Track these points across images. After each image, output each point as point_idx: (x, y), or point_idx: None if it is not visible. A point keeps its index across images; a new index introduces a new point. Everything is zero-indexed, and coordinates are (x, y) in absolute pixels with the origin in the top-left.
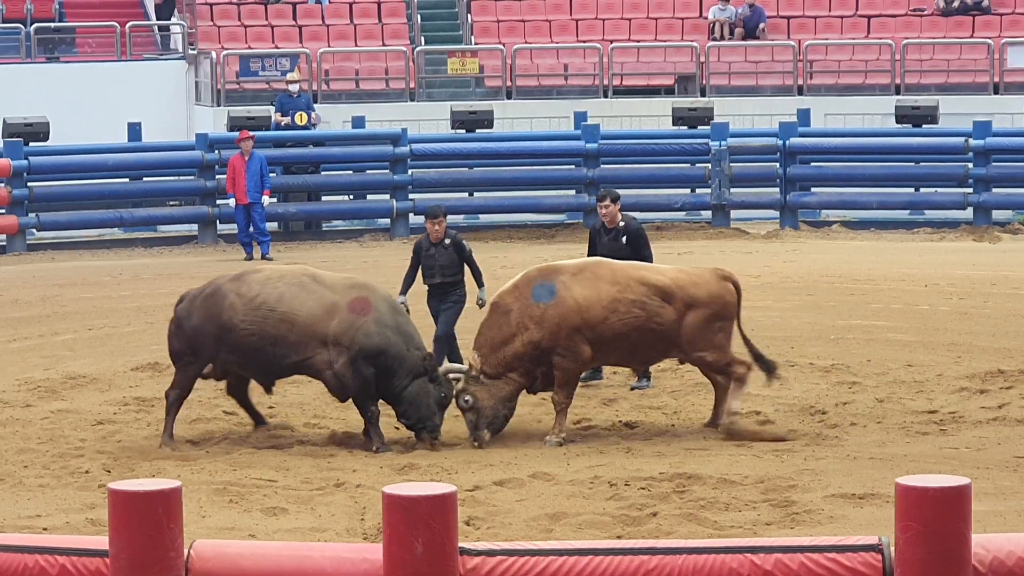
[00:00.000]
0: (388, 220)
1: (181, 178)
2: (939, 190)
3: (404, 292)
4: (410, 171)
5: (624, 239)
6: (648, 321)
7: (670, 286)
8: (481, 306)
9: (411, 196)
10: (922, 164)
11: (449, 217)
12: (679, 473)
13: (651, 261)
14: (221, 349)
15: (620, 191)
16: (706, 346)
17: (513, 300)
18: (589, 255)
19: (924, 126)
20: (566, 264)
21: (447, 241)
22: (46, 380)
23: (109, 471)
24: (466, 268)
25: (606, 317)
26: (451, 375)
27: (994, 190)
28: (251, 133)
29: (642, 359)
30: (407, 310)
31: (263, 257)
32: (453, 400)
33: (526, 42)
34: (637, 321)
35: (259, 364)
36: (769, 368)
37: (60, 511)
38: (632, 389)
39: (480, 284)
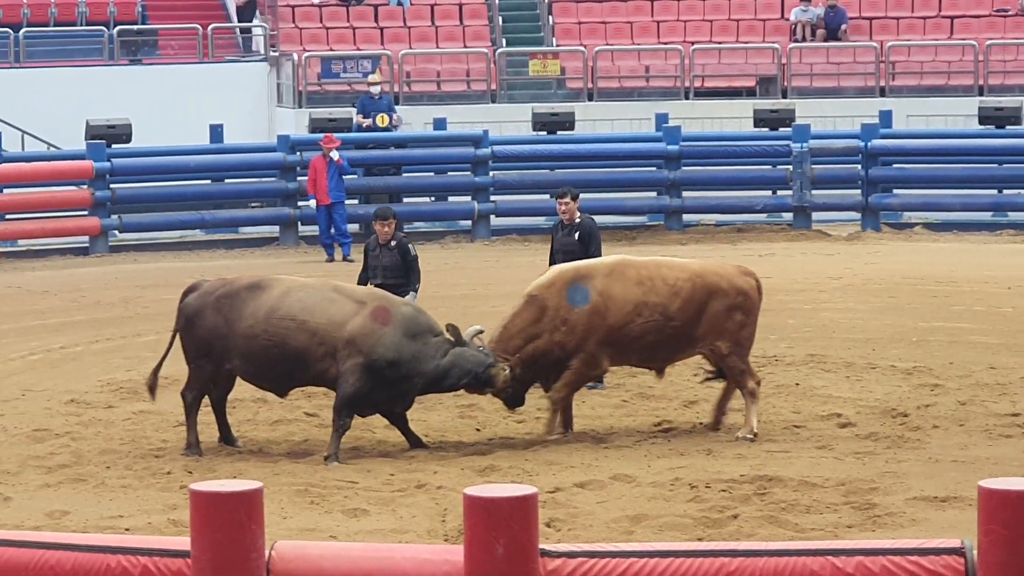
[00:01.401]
0: (470, 222)
1: (263, 180)
2: (1022, 191)
3: None
4: (491, 173)
5: (577, 235)
6: (669, 322)
7: (692, 279)
8: None
9: (492, 198)
10: (1005, 165)
11: (531, 219)
12: (760, 475)
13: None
14: (233, 355)
15: (702, 192)
16: (722, 336)
17: (549, 297)
18: (551, 252)
19: (1007, 127)
20: (597, 266)
21: (392, 243)
22: (128, 381)
23: (191, 472)
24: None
25: (632, 320)
26: (476, 337)
27: None
28: (337, 137)
29: (663, 359)
30: None
31: (344, 258)
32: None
33: (607, 44)
34: (659, 323)
35: (275, 375)
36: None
37: (142, 512)
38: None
39: (413, 289)
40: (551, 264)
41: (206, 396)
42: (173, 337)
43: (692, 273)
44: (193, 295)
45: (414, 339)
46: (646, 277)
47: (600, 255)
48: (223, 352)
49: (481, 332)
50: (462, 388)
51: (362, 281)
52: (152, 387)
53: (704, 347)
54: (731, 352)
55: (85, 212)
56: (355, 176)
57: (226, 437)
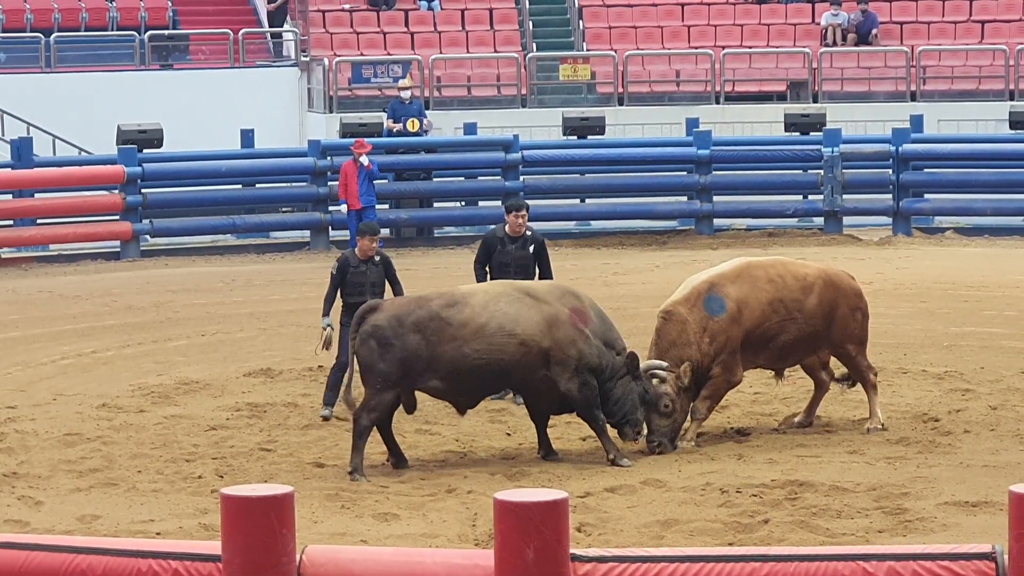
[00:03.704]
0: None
1: (293, 184)
2: None
3: (328, 313)
4: (522, 177)
5: (532, 248)
6: (804, 322)
7: (821, 278)
8: None
9: None
10: None
11: (561, 223)
12: (791, 480)
13: (551, 272)
14: (433, 375)
15: (733, 197)
16: (850, 338)
17: (687, 311)
18: (481, 263)
19: None
20: (724, 271)
21: (377, 258)
22: (159, 386)
23: (222, 476)
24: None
25: (767, 319)
26: (652, 372)
27: None
28: (368, 143)
29: (793, 359)
30: (331, 329)
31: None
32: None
33: (638, 48)
34: (795, 323)
35: (477, 389)
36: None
37: (173, 516)
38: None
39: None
40: (487, 277)
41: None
42: (352, 359)
43: (820, 271)
44: (381, 317)
45: (606, 347)
46: (776, 275)
47: (551, 268)
48: (421, 373)
49: (664, 368)
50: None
51: (331, 300)
52: (351, 404)
53: (834, 348)
54: (857, 353)
55: (116, 217)
56: (385, 181)
57: (398, 457)
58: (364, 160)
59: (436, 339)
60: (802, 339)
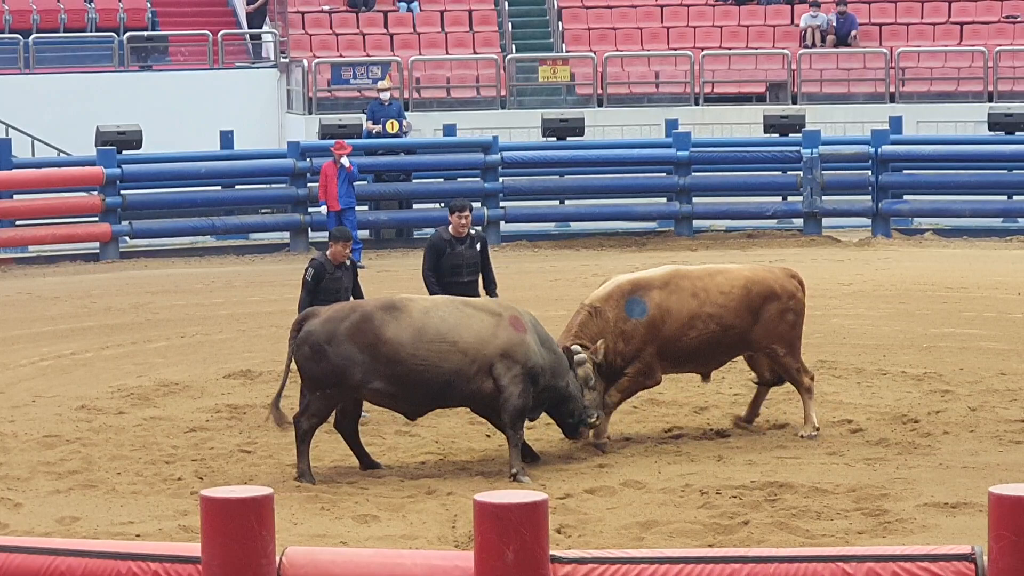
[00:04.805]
0: (479, 228)
1: (273, 186)
2: None
3: None
4: (501, 179)
5: (479, 246)
6: (724, 333)
7: (747, 285)
8: None
9: (502, 204)
10: (1015, 172)
11: (541, 225)
12: (771, 482)
13: (492, 271)
14: (373, 379)
15: (712, 198)
16: (778, 340)
17: (609, 308)
18: (433, 270)
19: (1017, 133)
20: (652, 277)
21: (347, 262)
22: (139, 387)
23: (201, 478)
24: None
25: (685, 332)
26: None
27: None
28: (349, 144)
29: (714, 366)
30: None
31: (354, 264)
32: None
33: (617, 50)
34: (713, 336)
35: (421, 397)
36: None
37: (153, 518)
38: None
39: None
40: (443, 279)
41: (337, 430)
42: (288, 367)
43: (745, 280)
44: (316, 323)
45: (544, 348)
46: (700, 288)
47: (491, 266)
48: (361, 379)
49: (584, 363)
50: (558, 423)
51: (307, 307)
52: (279, 420)
53: (760, 350)
54: (787, 353)
55: (96, 218)
56: (365, 182)
57: (368, 463)
58: (344, 161)
59: (373, 342)
60: (724, 346)
